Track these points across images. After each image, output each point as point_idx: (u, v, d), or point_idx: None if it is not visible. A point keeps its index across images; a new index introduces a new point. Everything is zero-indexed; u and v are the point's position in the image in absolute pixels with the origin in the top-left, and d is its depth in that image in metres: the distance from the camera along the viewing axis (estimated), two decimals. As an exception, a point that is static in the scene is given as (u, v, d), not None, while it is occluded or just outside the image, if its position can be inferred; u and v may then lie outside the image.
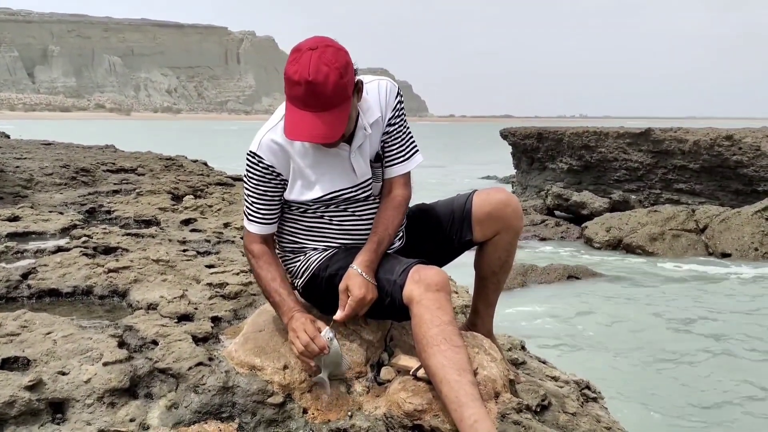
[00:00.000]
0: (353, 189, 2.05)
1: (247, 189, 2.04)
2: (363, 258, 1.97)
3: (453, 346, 1.78)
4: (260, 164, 1.97)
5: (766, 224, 13.16)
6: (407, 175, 2.14)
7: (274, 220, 2.07)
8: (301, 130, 1.83)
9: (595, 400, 2.55)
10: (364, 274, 1.94)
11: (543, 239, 14.53)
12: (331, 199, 2.04)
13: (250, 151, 1.99)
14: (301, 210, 2.08)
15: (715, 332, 8.03)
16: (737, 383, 6.36)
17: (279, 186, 2.01)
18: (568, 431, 2.06)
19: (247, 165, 2.01)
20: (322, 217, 2.08)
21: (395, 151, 2.10)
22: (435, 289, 1.85)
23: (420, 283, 1.86)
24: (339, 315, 1.95)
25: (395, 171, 2.11)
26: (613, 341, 7.62)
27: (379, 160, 2.09)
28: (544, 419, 2.05)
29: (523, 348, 2.90)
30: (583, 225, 15.34)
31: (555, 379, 2.57)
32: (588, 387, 2.61)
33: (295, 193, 2.02)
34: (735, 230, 13.32)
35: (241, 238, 2.54)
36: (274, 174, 1.99)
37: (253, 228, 2.05)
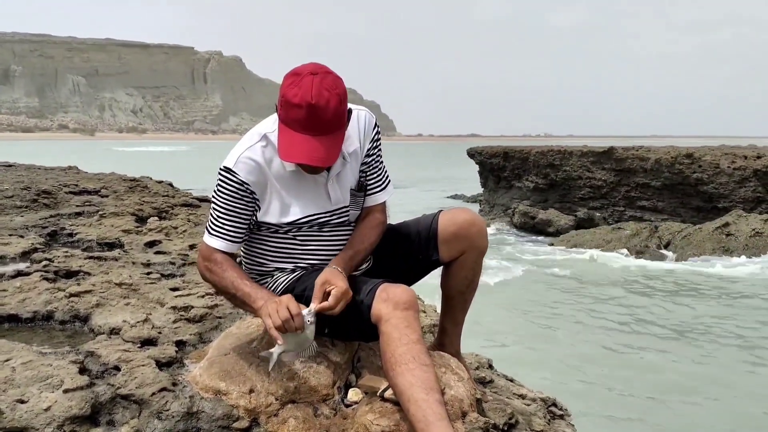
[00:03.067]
0: (327, 214, 2.06)
1: (215, 205, 2.01)
2: (338, 261, 1.99)
3: (421, 364, 1.78)
4: (235, 180, 1.95)
5: (726, 240, 13.49)
6: (384, 204, 2.20)
7: (239, 239, 2.04)
8: (299, 152, 1.84)
9: (561, 417, 2.56)
10: (343, 274, 1.94)
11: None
12: (305, 222, 2.04)
13: (225, 167, 1.97)
14: (272, 230, 2.07)
15: (686, 336, 8.20)
16: (705, 389, 6.46)
17: (250, 204, 2.00)
18: (535, 449, 2.07)
19: (220, 180, 1.98)
20: (294, 238, 2.08)
21: (373, 181, 2.16)
22: (403, 308, 1.85)
23: (388, 302, 1.87)
24: (314, 306, 1.88)
25: (374, 200, 2.17)
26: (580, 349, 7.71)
27: (362, 189, 2.13)
28: (511, 438, 2.06)
29: (490, 366, 2.91)
30: (549, 242, 15.54)
31: (522, 397, 2.58)
32: (554, 404, 2.62)
33: (268, 214, 2.02)
34: (696, 246, 13.62)
35: None
36: (248, 192, 1.97)
37: (216, 243, 2.01)
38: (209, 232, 2.03)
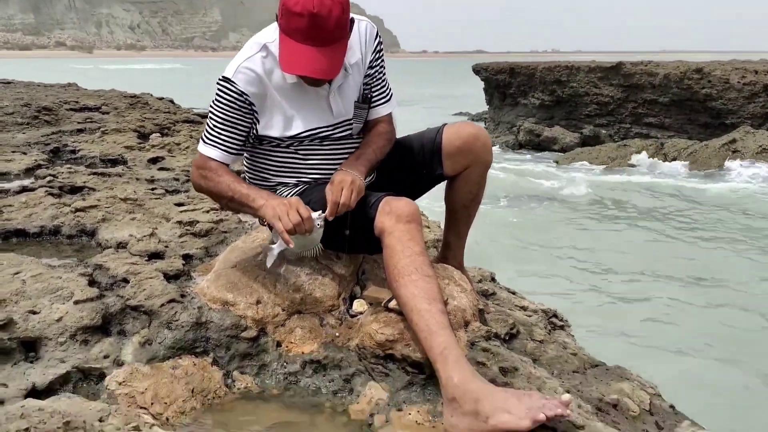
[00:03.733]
0: (329, 128, 2.04)
1: (213, 115, 1.97)
2: (346, 164, 1.99)
3: (424, 275, 1.80)
4: (234, 90, 1.92)
5: (732, 156, 13.40)
6: (390, 115, 2.18)
7: (235, 151, 2.01)
8: (301, 64, 1.80)
9: (562, 328, 2.61)
10: (352, 171, 1.95)
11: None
12: (307, 136, 2.02)
13: (224, 77, 1.94)
14: (274, 144, 2.05)
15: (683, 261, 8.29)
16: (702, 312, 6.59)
17: (248, 115, 1.97)
18: (535, 357, 2.12)
19: (218, 90, 1.95)
20: (296, 152, 2.06)
21: (377, 94, 2.13)
22: (406, 220, 1.86)
23: (391, 215, 1.87)
24: (329, 208, 1.89)
25: (379, 112, 2.14)
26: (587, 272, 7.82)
27: (366, 102, 2.10)
28: (512, 347, 2.10)
29: (493, 279, 2.95)
30: (554, 160, 15.47)
31: (524, 308, 2.62)
32: (555, 315, 2.67)
33: (270, 128, 1.99)
34: (702, 162, 13.55)
35: None
36: (246, 102, 1.94)
37: (211, 152, 1.98)
38: (204, 142, 2.00)
